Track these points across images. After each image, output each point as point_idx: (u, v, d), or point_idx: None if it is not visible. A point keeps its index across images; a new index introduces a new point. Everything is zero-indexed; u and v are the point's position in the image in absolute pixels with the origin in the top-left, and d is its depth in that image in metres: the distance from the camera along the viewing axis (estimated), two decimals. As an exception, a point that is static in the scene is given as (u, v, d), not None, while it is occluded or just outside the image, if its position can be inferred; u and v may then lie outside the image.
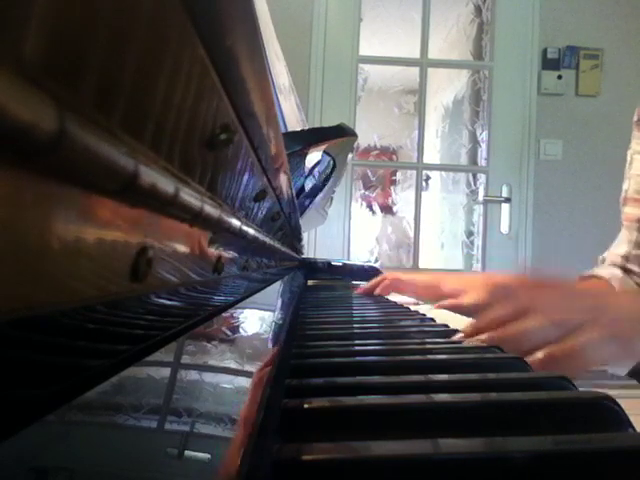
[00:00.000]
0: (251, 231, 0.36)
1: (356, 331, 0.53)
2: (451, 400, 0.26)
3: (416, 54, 2.62)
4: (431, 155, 2.81)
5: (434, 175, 2.83)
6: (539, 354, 0.38)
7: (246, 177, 0.31)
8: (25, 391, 0.11)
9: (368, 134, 2.81)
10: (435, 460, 0.20)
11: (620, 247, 0.85)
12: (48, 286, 0.11)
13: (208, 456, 0.18)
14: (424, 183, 2.69)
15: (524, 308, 0.44)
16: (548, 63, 2.57)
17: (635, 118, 0.86)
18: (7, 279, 0.10)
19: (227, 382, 0.26)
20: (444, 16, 2.73)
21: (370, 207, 2.90)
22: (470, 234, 2.77)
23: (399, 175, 2.85)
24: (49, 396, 0.12)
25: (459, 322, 0.55)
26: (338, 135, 0.82)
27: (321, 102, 2.53)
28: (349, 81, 2.57)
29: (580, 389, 0.28)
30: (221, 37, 0.17)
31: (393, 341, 0.46)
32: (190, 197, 0.19)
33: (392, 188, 2.86)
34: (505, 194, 2.58)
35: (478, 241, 2.69)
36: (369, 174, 2.84)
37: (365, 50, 2.61)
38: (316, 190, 1.01)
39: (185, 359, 0.23)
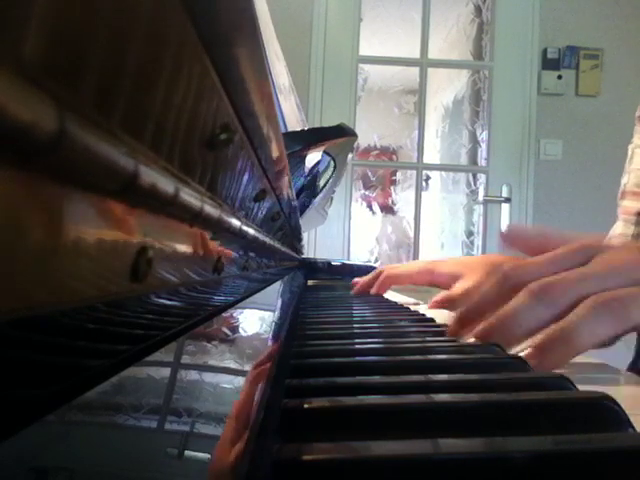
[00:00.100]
0: (251, 231, 0.36)
1: (356, 331, 0.53)
2: (451, 400, 0.26)
3: (416, 54, 2.62)
4: (431, 155, 2.81)
5: (434, 175, 2.83)
6: (528, 350, 0.37)
7: (246, 177, 0.31)
8: (25, 391, 0.11)
9: (368, 134, 2.81)
10: (435, 460, 0.20)
11: (614, 240, 0.85)
12: (48, 286, 0.11)
13: (208, 456, 0.18)
14: (424, 183, 2.70)
15: (509, 283, 0.41)
16: (548, 63, 2.57)
17: (638, 113, 0.86)
18: (7, 279, 0.10)
19: (227, 382, 0.26)
20: (444, 16, 2.73)
21: (370, 207, 2.90)
22: (470, 234, 2.77)
23: (399, 175, 2.85)
24: (49, 396, 0.12)
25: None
26: (338, 135, 0.82)
27: (321, 102, 2.54)
28: (349, 81, 2.57)
29: (580, 389, 0.28)
30: (221, 37, 0.17)
31: (393, 341, 0.46)
32: (190, 197, 0.19)
33: (392, 188, 2.86)
34: (505, 194, 2.58)
35: (478, 241, 2.69)
36: (369, 174, 2.84)
37: (365, 50, 2.61)
38: (316, 190, 1.01)
39: (185, 359, 0.23)
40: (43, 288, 0.11)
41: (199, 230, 0.25)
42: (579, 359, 0.40)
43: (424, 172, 2.69)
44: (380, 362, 0.36)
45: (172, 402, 0.19)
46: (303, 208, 0.98)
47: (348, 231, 2.60)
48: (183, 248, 0.22)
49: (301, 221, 0.88)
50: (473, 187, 2.73)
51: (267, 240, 0.49)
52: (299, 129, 0.90)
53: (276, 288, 0.67)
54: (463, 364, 0.34)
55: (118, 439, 0.14)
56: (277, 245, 0.62)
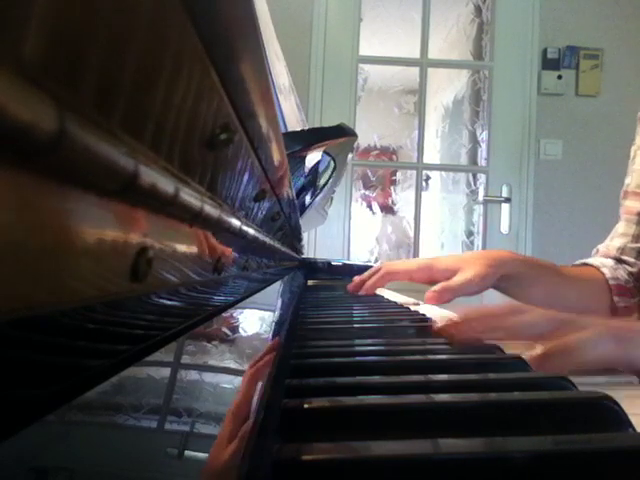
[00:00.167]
0: (251, 231, 0.36)
1: (356, 331, 0.53)
2: (451, 400, 0.26)
3: (416, 54, 2.62)
4: (431, 155, 2.81)
5: (434, 175, 2.83)
6: (535, 351, 0.38)
7: (246, 177, 0.31)
8: (25, 391, 0.11)
9: (368, 134, 2.81)
10: (435, 460, 0.20)
11: (616, 239, 0.85)
12: (48, 286, 0.11)
13: (208, 456, 0.18)
14: (424, 183, 2.69)
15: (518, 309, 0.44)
16: (548, 63, 2.57)
17: (639, 114, 0.86)
18: (7, 279, 0.10)
19: (227, 382, 0.26)
20: (444, 16, 2.73)
21: (370, 207, 2.90)
22: (470, 234, 2.77)
23: (399, 175, 2.85)
24: (49, 396, 0.12)
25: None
26: (338, 135, 0.82)
27: (321, 102, 2.53)
28: (349, 81, 2.57)
29: (580, 389, 0.28)
30: (221, 37, 0.17)
31: (393, 341, 0.46)
32: (190, 197, 0.19)
33: (392, 188, 2.86)
34: (505, 194, 2.58)
35: (478, 241, 2.69)
36: (369, 174, 2.84)
37: (365, 50, 2.61)
38: (316, 190, 1.01)
39: (185, 359, 0.23)
40: (43, 288, 0.11)
41: (199, 230, 0.25)
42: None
43: (424, 172, 2.69)
44: (380, 362, 0.36)
45: (172, 402, 0.19)
46: (303, 208, 0.98)
47: (348, 231, 2.60)
48: (183, 248, 0.22)
49: (301, 221, 0.88)
50: (473, 187, 2.73)
51: (267, 240, 0.49)
52: (299, 129, 0.90)
53: (276, 288, 0.67)
54: (463, 364, 0.34)
55: (118, 439, 0.14)
56: (277, 245, 0.62)
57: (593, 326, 0.38)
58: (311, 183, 0.95)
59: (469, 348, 0.40)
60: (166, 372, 0.20)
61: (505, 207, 2.59)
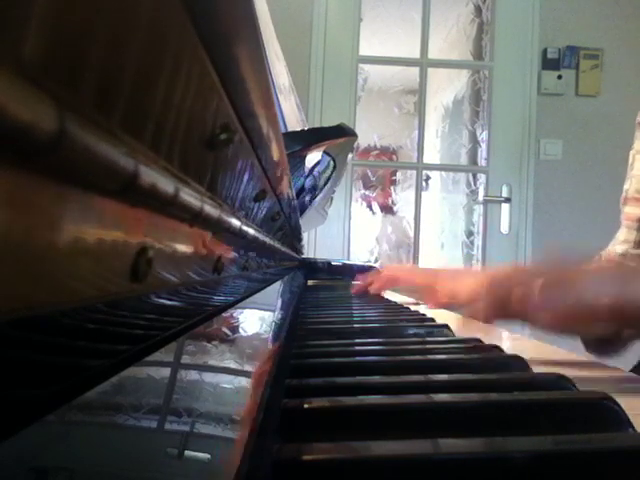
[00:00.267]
0: (251, 231, 0.36)
1: (356, 331, 0.53)
2: (451, 400, 0.26)
3: (416, 54, 2.62)
4: (431, 155, 2.81)
5: (434, 175, 2.83)
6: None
7: (246, 177, 0.31)
8: (25, 391, 0.11)
9: (368, 134, 2.81)
10: (435, 460, 0.20)
11: (618, 246, 0.85)
12: (48, 286, 0.11)
13: (208, 456, 0.18)
14: (424, 183, 2.69)
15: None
16: (548, 63, 2.57)
17: (638, 119, 0.86)
18: (7, 279, 0.10)
19: (227, 382, 0.26)
20: (444, 16, 2.73)
21: (370, 207, 2.90)
22: (470, 234, 2.77)
23: (399, 175, 2.84)
24: (49, 396, 0.12)
25: (459, 322, 0.55)
26: (338, 135, 0.82)
27: (321, 102, 2.53)
28: (349, 81, 2.57)
29: (580, 389, 0.28)
30: (221, 37, 0.17)
31: (393, 341, 0.46)
32: (190, 197, 0.19)
33: (392, 188, 2.86)
34: (505, 194, 2.58)
35: (478, 241, 2.69)
36: (369, 174, 2.84)
37: (365, 50, 2.61)
38: (316, 190, 1.01)
39: (185, 359, 0.23)
40: (43, 288, 0.11)
41: (199, 230, 0.25)
42: (578, 358, 0.40)
43: (424, 172, 2.69)
44: (380, 362, 0.36)
45: (172, 402, 0.19)
46: (303, 208, 0.98)
47: (348, 231, 2.60)
48: (183, 248, 0.22)
49: (301, 221, 0.88)
50: (473, 187, 2.73)
51: (267, 240, 0.49)
52: (299, 129, 0.90)
53: (276, 288, 0.67)
54: (463, 364, 0.34)
55: (118, 439, 0.14)
56: (277, 245, 0.62)
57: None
58: (311, 183, 0.95)
59: (469, 348, 0.40)
60: (166, 372, 0.20)
61: (505, 207, 2.59)
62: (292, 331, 0.49)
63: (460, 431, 0.23)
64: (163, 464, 0.16)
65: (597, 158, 2.54)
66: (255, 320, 0.45)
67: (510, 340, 0.62)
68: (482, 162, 2.67)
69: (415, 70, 2.64)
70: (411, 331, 0.54)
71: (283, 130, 0.64)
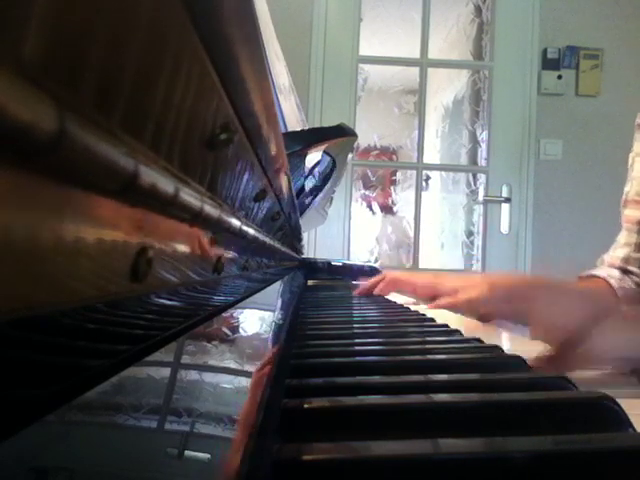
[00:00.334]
0: (251, 231, 0.36)
1: (356, 331, 0.53)
2: (451, 400, 0.26)
3: (416, 54, 2.62)
4: (431, 155, 2.81)
5: (434, 175, 2.83)
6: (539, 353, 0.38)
7: (246, 177, 0.31)
8: (25, 391, 0.11)
9: (368, 134, 2.81)
10: (435, 460, 0.20)
11: (619, 250, 0.85)
12: (48, 286, 0.11)
13: (208, 456, 0.18)
14: (424, 183, 2.69)
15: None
16: (548, 63, 2.57)
17: (637, 121, 0.86)
18: (7, 279, 0.10)
19: (227, 382, 0.26)
20: (444, 16, 2.73)
21: (370, 207, 2.90)
22: (470, 234, 2.77)
23: (399, 175, 2.84)
24: (49, 396, 0.12)
25: (459, 322, 0.55)
26: (338, 135, 0.82)
27: (321, 102, 2.53)
28: (349, 81, 2.57)
29: (580, 389, 0.28)
30: (221, 37, 0.17)
31: (393, 341, 0.46)
32: (190, 197, 0.19)
33: (392, 188, 2.86)
34: (505, 194, 2.58)
35: (478, 241, 2.69)
36: (369, 174, 2.84)
37: (365, 50, 2.61)
38: (316, 190, 1.01)
39: (185, 359, 0.23)
40: (43, 288, 0.11)
41: (199, 230, 0.25)
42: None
43: (424, 172, 2.69)
44: (380, 362, 0.36)
45: (172, 402, 0.19)
46: (303, 208, 0.98)
47: (348, 231, 2.60)
48: (183, 248, 0.22)
49: (301, 221, 0.88)
50: (473, 187, 2.73)
51: (267, 240, 0.49)
52: (299, 129, 0.90)
53: (276, 288, 0.67)
54: (463, 364, 0.34)
55: (118, 439, 0.14)
56: (277, 245, 0.62)
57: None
58: (311, 183, 0.95)
59: (469, 348, 0.40)
60: (166, 372, 0.20)
61: (505, 207, 2.59)
62: (292, 331, 0.49)
63: (460, 431, 0.23)
64: (163, 464, 0.16)
65: (597, 158, 2.54)
66: (255, 320, 0.45)
67: (510, 340, 0.62)
68: (482, 162, 2.67)
69: (415, 70, 2.64)
70: (411, 330, 0.54)
71: (283, 130, 0.64)
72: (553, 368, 0.35)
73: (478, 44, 2.71)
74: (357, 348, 0.43)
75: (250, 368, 0.29)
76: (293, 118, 0.91)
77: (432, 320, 0.60)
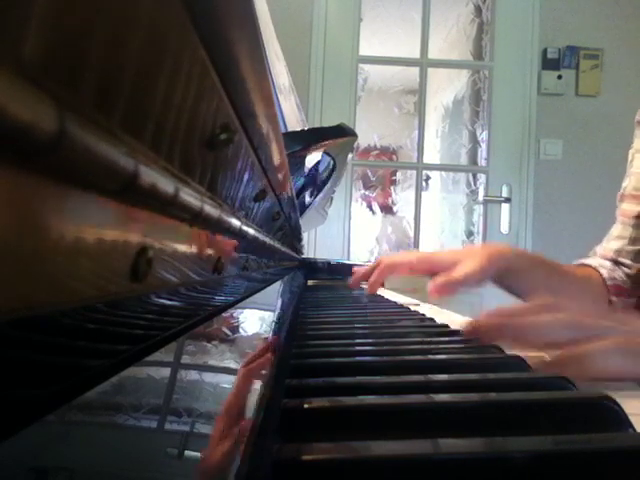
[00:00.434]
0: (251, 231, 0.36)
1: (356, 331, 0.53)
2: (451, 400, 0.26)
3: (416, 54, 2.62)
4: (431, 155, 2.81)
5: (434, 175, 2.83)
6: (548, 357, 0.38)
7: (246, 177, 0.31)
8: (25, 391, 0.11)
9: (368, 134, 2.81)
10: (435, 460, 0.20)
11: (613, 242, 0.86)
12: (48, 286, 0.11)
13: (202, 455, 0.18)
14: (424, 183, 2.70)
15: (546, 307, 0.43)
16: (548, 63, 2.57)
17: (637, 117, 0.86)
18: (7, 279, 0.10)
19: (227, 382, 0.26)
20: (444, 16, 2.73)
21: (370, 207, 2.90)
22: (470, 234, 2.77)
23: (399, 175, 2.85)
24: (49, 396, 0.12)
25: (459, 322, 0.55)
26: (338, 135, 0.82)
27: (321, 102, 2.54)
28: (349, 81, 2.57)
29: (580, 389, 0.28)
30: (221, 37, 0.17)
31: (393, 341, 0.46)
32: (190, 197, 0.19)
33: (392, 188, 2.86)
34: (505, 194, 2.58)
35: (478, 241, 2.69)
36: (369, 174, 2.84)
37: (365, 50, 2.61)
38: (316, 190, 1.01)
39: (185, 359, 0.23)
40: (43, 288, 0.11)
41: (199, 230, 0.25)
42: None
43: (424, 172, 2.69)
44: (380, 362, 0.36)
45: (172, 402, 0.19)
46: (303, 208, 0.98)
47: (348, 231, 2.60)
48: (183, 248, 0.22)
49: (301, 221, 0.88)
50: (473, 187, 2.73)
51: (267, 240, 0.49)
52: (299, 129, 0.90)
53: (276, 288, 0.67)
54: (463, 364, 0.34)
55: (118, 439, 0.14)
56: (277, 245, 0.62)
57: (609, 338, 0.38)
58: (311, 183, 0.95)
59: (469, 348, 0.40)
60: (166, 372, 0.20)
61: (505, 207, 2.59)
62: (292, 331, 0.49)
63: (460, 431, 0.23)
64: (163, 464, 0.16)
65: (597, 158, 2.54)
66: (255, 320, 0.45)
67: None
68: (482, 162, 2.67)
69: (415, 70, 2.64)
70: (410, 331, 0.54)
71: (283, 130, 0.64)
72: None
73: (478, 44, 2.71)
74: (357, 348, 0.43)
75: (250, 368, 0.29)
76: (293, 118, 0.91)
77: (432, 320, 0.60)
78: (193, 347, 0.25)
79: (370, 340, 0.48)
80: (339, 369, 0.33)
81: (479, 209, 2.70)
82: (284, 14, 2.38)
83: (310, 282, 1.32)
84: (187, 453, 0.17)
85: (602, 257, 0.86)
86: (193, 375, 0.23)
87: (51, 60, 0.10)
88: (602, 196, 2.39)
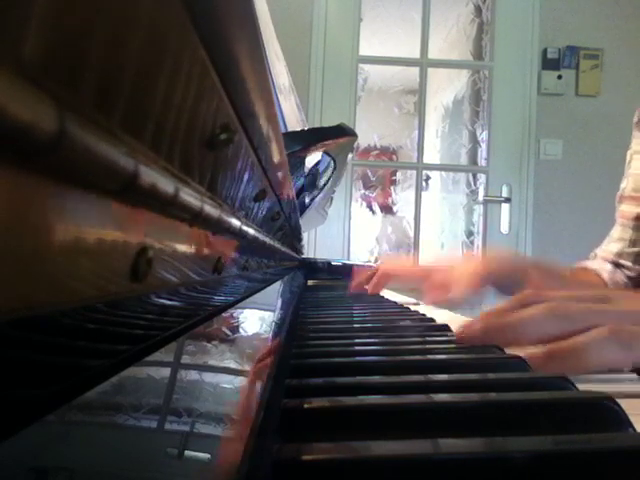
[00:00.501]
0: (251, 231, 0.36)
1: (356, 331, 0.53)
2: (451, 400, 0.26)
3: (416, 54, 2.62)
4: (431, 155, 2.81)
5: (434, 175, 2.83)
6: (538, 351, 0.37)
7: (246, 177, 0.31)
8: (25, 391, 0.11)
9: (368, 134, 2.81)
10: (435, 460, 0.20)
11: (613, 244, 0.86)
12: (48, 286, 0.11)
13: (208, 456, 0.18)
14: (424, 183, 2.70)
15: (529, 302, 0.43)
16: (548, 63, 2.57)
17: (635, 119, 0.86)
18: (7, 279, 0.10)
19: (227, 382, 0.26)
20: (444, 16, 2.73)
21: (370, 207, 2.90)
22: (470, 234, 2.77)
23: (399, 175, 2.85)
24: (49, 396, 0.12)
25: (459, 322, 0.55)
26: (338, 135, 0.82)
27: (321, 102, 2.53)
28: (349, 81, 2.57)
29: (580, 389, 0.28)
30: (221, 37, 0.17)
31: (393, 341, 0.46)
32: (190, 197, 0.19)
33: (392, 188, 2.86)
34: (505, 194, 2.58)
35: (478, 241, 2.69)
36: (369, 174, 2.84)
37: (365, 50, 2.61)
38: (316, 190, 1.01)
39: (185, 359, 0.23)
40: (43, 288, 0.11)
41: (199, 230, 0.25)
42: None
43: (424, 172, 2.69)
44: (380, 362, 0.36)
45: (172, 402, 0.19)
46: (303, 208, 0.98)
47: (348, 231, 2.60)
48: (183, 248, 0.22)
49: (301, 221, 0.88)
50: (473, 187, 2.73)
51: (267, 240, 0.49)
52: (299, 129, 0.90)
53: (276, 288, 0.67)
54: (463, 364, 0.34)
55: (118, 439, 0.14)
56: (277, 245, 0.62)
57: (600, 328, 0.37)
58: (311, 183, 0.95)
59: (469, 348, 0.40)
60: (166, 372, 0.20)
61: (505, 207, 2.59)
62: (292, 331, 0.49)
63: (460, 431, 0.23)
64: (163, 464, 0.16)
65: (597, 158, 2.54)
66: (255, 320, 0.45)
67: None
68: (482, 162, 2.67)
69: (415, 70, 2.64)
70: (411, 331, 0.54)
71: (283, 130, 0.64)
72: (545, 369, 0.35)
73: (478, 44, 2.71)
74: (357, 348, 0.43)
75: (250, 368, 0.29)
76: (293, 118, 0.91)
77: (432, 320, 0.60)
78: (193, 347, 0.25)
79: (370, 340, 0.48)
80: (339, 369, 0.33)
81: (479, 209, 2.70)
82: (284, 14, 2.38)
83: (310, 282, 1.32)
84: (187, 453, 0.17)
85: (603, 260, 0.86)
86: (193, 375, 0.23)
87: (51, 60, 0.10)
88: (602, 196, 2.39)
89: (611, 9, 2.57)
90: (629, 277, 0.83)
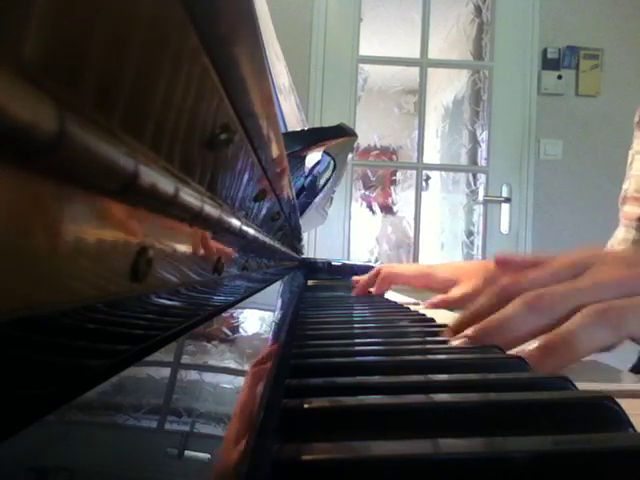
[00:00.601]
0: (251, 231, 0.36)
1: (356, 331, 0.53)
2: (451, 400, 0.26)
3: (416, 54, 2.62)
4: (431, 155, 2.81)
5: (434, 175, 2.83)
6: (532, 349, 0.37)
7: (246, 177, 0.31)
8: (25, 391, 0.11)
9: (368, 134, 2.81)
10: (435, 460, 0.20)
11: (617, 246, 0.86)
12: (48, 286, 0.11)
13: (208, 456, 0.18)
14: (424, 183, 2.70)
15: (506, 293, 0.42)
16: (548, 63, 2.57)
17: (636, 119, 0.86)
18: (7, 279, 0.10)
19: (227, 382, 0.26)
20: (444, 16, 2.73)
21: (370, 207, 2.90)
22: (470, 234, 2.77)
23: (399, 175, 2.85)
24: (49, 396, 0.12)
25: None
26: (338, 135, 0.82)
27: (321, 102, 2.54)
28: (349, 81, 2.57)
29: (580, 389, 0.28)
30: (221, 37, 0.17)
31: (393, 341, 0.46)
32: (190, 197, 0.19)
33: (392, 188, 2.86)
34: (505, 194, 2.58)
35: (478, 241, 2.69)
36: (369, 174, 2.84)
37: (365, 50, 2.61)
38: (316, 190, 1.01)
39: (185, 359, 0.23)
40: (43, 288, 0.11)
41: (199, 230, 0.25)
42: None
43: (424, 172, 2.69)
44: (380, 362, 0.36)
45: (172, 402, 0.19)
46: (303, 208, 0.98)
47: (348, 231, 2.60)
48: (183, 248, 0.22)
49: (301, 221, 0.88)
50: (473, 187, 2.73)
51: (267, 240, 0.49)
52: (299, 129, 0.90)
53: (276, 288, 0.67)
54: (463, 364, 0.34)
55: (118, 439, 0.14)
56: (277, 245, 0.62)
57: (584, 313, 0.37)
58: (311, 183, 0.95)
59: (469, 348, 0.40)
60: (166, 372, 0.20)
61: (505, 207, 2.59)
62: (292, 331, 0.49)
63: (460, 431, 0.23)
64: (163, 464, 0.16)
65: (597, 158, 2.54)
66: (255, 320, 0.45)
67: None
68: (482, 162, 2.67)
69: (415, 70, 2.64)
70: (411, 331, 0.54)
71: (283, 130, 0.64)
72: (543, 367, 0.35)
73: (478, 44, 2.71)
74: (357, 348, 0.43)
75: (250, 368, 0.29)
76: (293, 118, 0.91)
77: (432, 320, 0.60)
78: (193, 347, 0.25)
79: (370, 340, 0.48)
80: (339, 369, 0.33)
81: (479, 209, 2.70)
82: (284, 14, 2.38)
83: (310, 282, 1.32)
84: (187, 453, 0.17)
85: None
86: (193, 375, 0.23)
87: (51, 60, 0.10)
88: (602, 196, 2.39)
89: (611, 9, 2.57)
90: None
